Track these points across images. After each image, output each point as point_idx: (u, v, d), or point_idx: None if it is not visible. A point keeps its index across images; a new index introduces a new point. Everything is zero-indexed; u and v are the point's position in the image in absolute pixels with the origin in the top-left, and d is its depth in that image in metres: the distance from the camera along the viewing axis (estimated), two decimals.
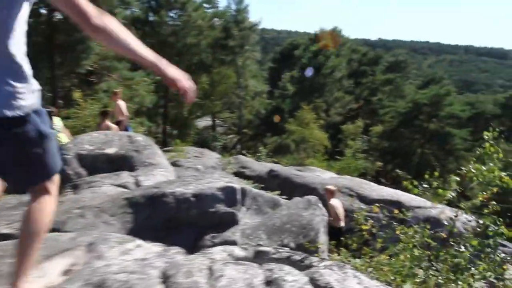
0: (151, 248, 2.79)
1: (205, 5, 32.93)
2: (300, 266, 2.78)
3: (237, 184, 7.59)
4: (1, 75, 1.71)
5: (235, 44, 30.94)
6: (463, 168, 4.86)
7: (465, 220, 7.45)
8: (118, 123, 9.72)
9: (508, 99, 45.88)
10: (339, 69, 37.54)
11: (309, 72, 36.10)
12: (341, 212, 8.39)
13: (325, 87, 36.20)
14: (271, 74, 49.57)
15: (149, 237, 4.26)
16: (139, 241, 2.89)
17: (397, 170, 33.99)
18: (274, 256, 3.06)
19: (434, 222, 8.09)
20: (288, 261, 2.94)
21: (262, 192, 7.76)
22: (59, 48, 19.16)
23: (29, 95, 1.80)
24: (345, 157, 25.63)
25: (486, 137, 4.56)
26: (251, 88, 34.84)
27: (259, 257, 3.05)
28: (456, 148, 33.44)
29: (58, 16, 19.65)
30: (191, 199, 4.76)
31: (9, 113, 1.69)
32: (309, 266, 2.73)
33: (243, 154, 27.35)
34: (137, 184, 6.04)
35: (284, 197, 8.97)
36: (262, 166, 12.21)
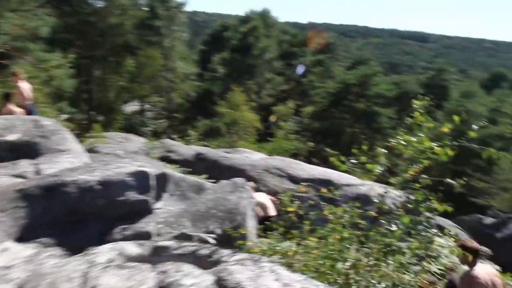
0: (20, 252, 2.22)
1: None
2: (207, 262, 2.32)
3: (154, 168, 6.98)
4: None
5: (161, 24, 29.74)
6: (391, 140, 4.54)
7: (395, 196, 7.36)
8: (22, 107, 8.74)
9: (430, 79, 48.05)
10: (269, 50, 37.30)
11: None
12: (267, 203, 8.05)
13: (256, 68, 35.87)
14: (202, 57, 48.56)
15: (47, 234, 3.63)
16: (7, 244, 2.30)
17: (327, 149, 34.67)
18: (176, 252, 2.57)
19: (364, 200, 7.94)
20: (192, 257, 2.45)
21: (187, 176, 7.26)
22: None
23: None
24: (276, 138, 25.53)
25: (415, 106, 4.28)
26: (180, 70, 33.78)
27: (157, 255, 2.54)
28: (383, 126, 34.47)
29: None
30: (96, 187, 4.16)
31: None
32: (218, 262, 2.28)
33: (171, 138, 26.57)
34: (38, 173, 5.31)
35: (211, 180, 8.51)
36: (189, 150, 11.65)
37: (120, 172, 4.41)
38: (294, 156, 26.45)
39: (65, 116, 25.14)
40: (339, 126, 34.98)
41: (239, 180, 7.15)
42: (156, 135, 33.37)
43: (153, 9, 30.23)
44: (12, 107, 8.34)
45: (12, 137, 6.83)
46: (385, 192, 4.72)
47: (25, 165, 5.45)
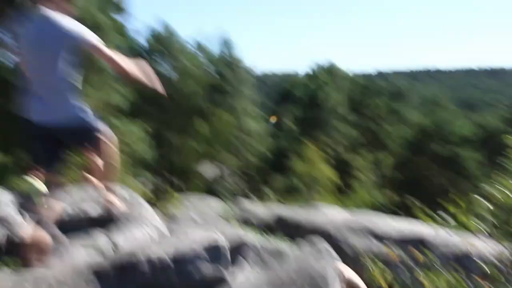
0: None
1: (196, 51, 32.99)
2: None
3: (231, 236, 6.62)
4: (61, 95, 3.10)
5: (231, 88, 30.61)
6: (485, 186, 3.85)
7: (502, 253, 6.44)
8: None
9: None
10: (340, 103, 37.02)
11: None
12: (355, 279, 7.35)
13: (328, 122, 35.58)
14: (273, 115, 49.25)
15: None
16: None
17: (410, 198, 32.87)
18: None
19: (465, 261, 7.06)
20: None
21: (266, 242, 6.85)
22: None
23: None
24: (356, 191, 24.62)
25: (509, 144, 3.61)
26: (253, 131, 34.23)
27: None
28: (470, 170, 32.33)
29: None
30: (170, 264, 3.87)
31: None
32: None
33: (248, 198, 26.38)
34: (113, 247, 5.15)
35: (293, 244, 8.04)
36: (267, 211, 11.25)
37: (195, 245, 4.11)
38: (377, 209, 25.33)
39: (143, 182, 26.00)
40: (422, 174, 33.28)
41: (322, 244, 6.62)
42: (233, 194, 33.54)
43: (223, 75, 31.32)
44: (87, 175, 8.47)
45: (89, 207, 6.84)
46: (490, 250, 4.02)
47: (100, 238, 5.32)
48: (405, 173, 34.03)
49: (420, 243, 7.61)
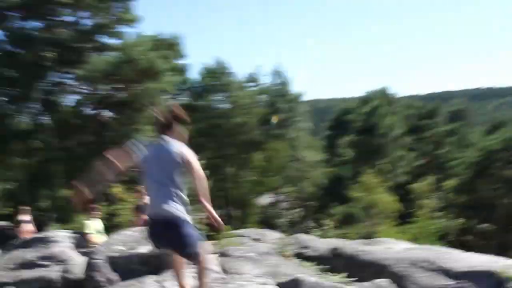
0: None
1: (249, 83, 33.36)
2: None
3: (287, 275, 6.34)
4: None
5: (283, 117, 30.58)
6: None
7: None
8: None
9: None
10: (396, 127, 35.98)
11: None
12: None
13: (385, 147, 34.57)
14: (328, 142, 48.67)
15: None
16: None
17: (484, 225, 30.98)
18: None
19: None
20: None
21: (321, 280, 6.50)
22: (109, 144, 19.40)
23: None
24: (419, 218, 23.45)
25: None
26: (307, 159, 33.92)
27: None
28: None
29: (105, 114, 20.25)
30: None
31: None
32: None
33: (307, 228, 25.84)
34: None
35: (352, 279, 7.61)
36: (325, 244, 10.81)
37: None
38: (444, 237, 23.97)
39: (200, 217, 26.05)
40: (489, 198, 31.39)
41: (383, 282, 6.21)
42: (293, 225, 33.07)
43: (274, 104, 31.40)
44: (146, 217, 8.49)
45: (143, 249, 6.81)
46: None
47: (150, 283, 5.23)
48: (471, 197, 32.28)
49: (492, 277, 6.98)
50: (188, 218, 4.10)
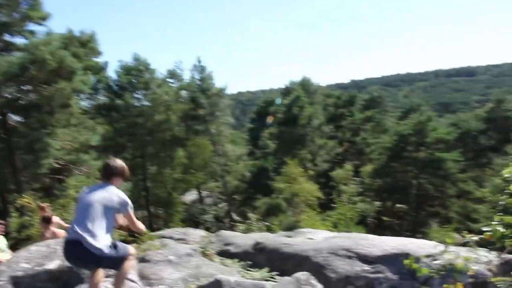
0: None
1: (169, 80, 32.63)
2: None
3: (206, 275, 6.22)
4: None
5: (205, 112, 30.27)
6: (484, 228, 3.43)
7: (490, 260, 6.17)
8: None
9: (489, 113, 45.43)
10: (316, 116, 36.92)
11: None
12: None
13: (306, 137, 35.41)
14: (251, 135, 49.05)
15: None
16: None
17: (398, 205, 32.76)
18: None
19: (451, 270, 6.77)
20: None
21: (243, 279, 6.45)
22: (19, 150, 18.17)
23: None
24: (339, 205, 24.27)
25: (508, 175, 3.28)
26: (230, 153, 33.91)
27: None
28: (451, 172, 32.38)
29: (12, 119, 18.86)
30: None
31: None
32: None
33: (232, 223, 25.87)
34: None
35: (275, 273, 7.64)
36: (248, 239, 10.80)
37: None
38: (363, 220, 25.06)
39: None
40: (403, 180, 33.22)
41: (303, 275, 6.26)
42: (217, 221, 32.97)
43: (195, 100, 30.94)
44: (55, 229, 8.01)
45: (51, 265, 6.38)
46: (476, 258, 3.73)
47: None
48: (386, 180, 33.95)
49: (405, 258, 7.31)
50: (107, 245, 4.38)
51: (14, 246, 12.53)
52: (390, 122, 49.29)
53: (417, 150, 34.03)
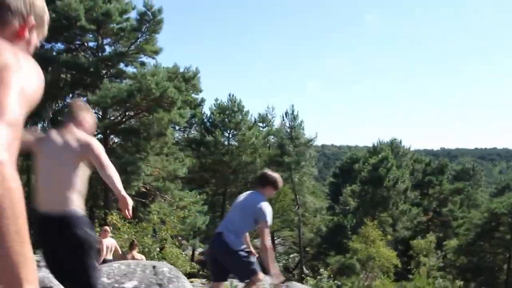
0: None
1: (259, 124, 33.43)
2: None
3: None
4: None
5: (290, 160, 30.43)
6: None
7: None
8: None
9: None
10: (402, 180, 35.69)
11: None
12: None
13: (389, 200, 34.20)
14: (332, 190, 48.39)
15: None
16: None
17: None
18: None
19: None
20: None
21: None
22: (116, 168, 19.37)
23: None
24: (417, 276, 22.90)
25: None
26: (310, 205, 33.61)
27: None
28: None
29: (112, 140, 20.30)
30: None
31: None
32: None
33: (303, 275, 25.24)
34: None
35: None
36: None
37: None
38: None
39: (193, 250, 25.69)
40: (492, 261, 30.76)
41: None
42: (288, 270, 32.42)
43: (283, 146, 31.30)
44: (135, 253, 8.43)
45: (129, 284, 6.62)
46: None
47: None
48: (472, 259, 31.64)
49: None
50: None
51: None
52: (482, 197, 46.39)
53: (511, 231, 31.54)
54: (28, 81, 0.99)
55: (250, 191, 5.04)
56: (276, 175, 5.00)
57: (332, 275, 20.59)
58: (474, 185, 52.50)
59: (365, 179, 35.25)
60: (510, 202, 32.03)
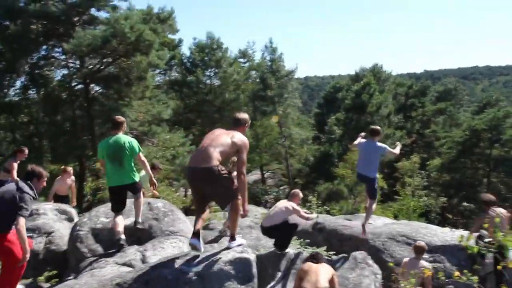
0: None
1: (240, 59, 33.12)
2: None
3: (265, 248, 6.47)
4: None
5: (273, 94, 30.48)
6: None
7: None
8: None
9: None
10: (385, 105, 36.08)
11: None
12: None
13: (373, 125, 34.68)
14: (317, 120, 48.84)
15: None
16: None
17: (465, 204, 31.53)
18: None
19: None
20: None
21: (301, 252, 6.70)
22: (98, 119, 19.39)
23: None
24: (402, 196, 23.79)
25: None
26: (295, 136, 34.05)
27: None
28: None
29: (93, 89, 20.10)
30: (193, 279, 3.82)
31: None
32: None
33: None
34: (143, 260, 5.16)
35: (331, 252, 7.83)
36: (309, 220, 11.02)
37: (219, 261, 4.03)
38: (426, 214, 24.42)
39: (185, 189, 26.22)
40: (473, 177, 31.93)
41: (360, 254, 6.41)
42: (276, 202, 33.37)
43: (265, 80, 31.21)
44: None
45: (127, 221, 6.91)
46: None
47: (131, 253, 5.36)
48: (454, 176, 32.75)
49: (465, 250, 7.23)
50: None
51: (88, 208, 13.53)
52: (464, 116, 47.22)
53: (490, 147, 32.50)
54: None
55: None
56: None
57: (320, 202, 21.29)
58: (457, 105, 53.30)
59: (348, 106, 35.55)
60: (490, 117, 32.78)
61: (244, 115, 5.16)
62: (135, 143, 6.37)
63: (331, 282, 4.96)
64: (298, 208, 7.13)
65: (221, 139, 4.64)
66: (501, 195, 30.89)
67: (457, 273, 3.83)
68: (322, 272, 4.89)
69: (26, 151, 9.45)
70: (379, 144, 8.27)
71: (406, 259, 6.69)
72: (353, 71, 47.18)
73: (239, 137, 4.74)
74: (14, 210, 4.50)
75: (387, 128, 36.76)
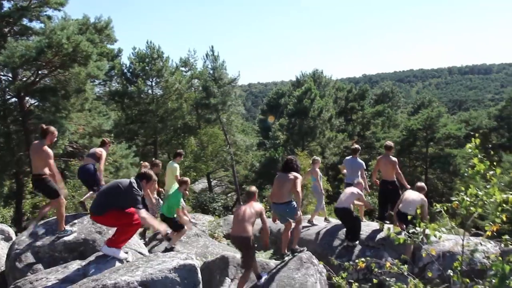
0: None
1: (182, 68, 32.91)
2: None
3: (214, 253, 6.49)
4: None
5: (217, 101, 30.45)
6: (453, 198, 3.78)
7: (487, 249, 6.43)
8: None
9: (501, 110, 45.20)
10: (326, 109, 37.00)
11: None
12: None
13: (316, 129, 35.50)
14: (261, 127, 49.28)
15: None
16: None
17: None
18: None
19: (449, 257, 7.05)
20: None
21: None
22: (34, 133, 18.62)
23: None
24: None
25: (470, 150, 3.55)
26: (240, 143, 34.20)
27: None
28: (460, 168, 32.43)
29: (29, 101, 19.31)
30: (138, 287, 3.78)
31: None
32: None
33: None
34: (85, 275, 5.04)
35: (277, 255, 7.97)
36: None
37: (163, 269, 4.02)
38: (369, 213, 25.17)
39: None
40: (412, 175, 33.33)
41: (304, 254, 6.56)
42: (228, 209, 33.35)
43: (208, 89, 31.13)
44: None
45: (68, 237, 6.75)
46: (476, 245, 4.01)
47: (73, 268, 5.21)
48: None
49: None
50: None
51: (26, 226, 12.99)
52: (401, 117, 49.27)
53: (426, 145, 34.10)
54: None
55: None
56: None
57: (268, 206, 21.48)
58: (394, 107, 55.51)
59: (291, 112, 36.16)
60: (424, 118, 34.45)
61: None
62: None
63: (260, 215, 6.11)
64: (362, 193, 8.84)
65: None
66: (438, 190, 32.43)
67: (388, 264, 4.01)
68: (248, 211, 6.01)
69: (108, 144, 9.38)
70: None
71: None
72: (294, 77, 48.08)
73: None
74: (115, 199, 5.12)
75: (330, 132, 37.73)
